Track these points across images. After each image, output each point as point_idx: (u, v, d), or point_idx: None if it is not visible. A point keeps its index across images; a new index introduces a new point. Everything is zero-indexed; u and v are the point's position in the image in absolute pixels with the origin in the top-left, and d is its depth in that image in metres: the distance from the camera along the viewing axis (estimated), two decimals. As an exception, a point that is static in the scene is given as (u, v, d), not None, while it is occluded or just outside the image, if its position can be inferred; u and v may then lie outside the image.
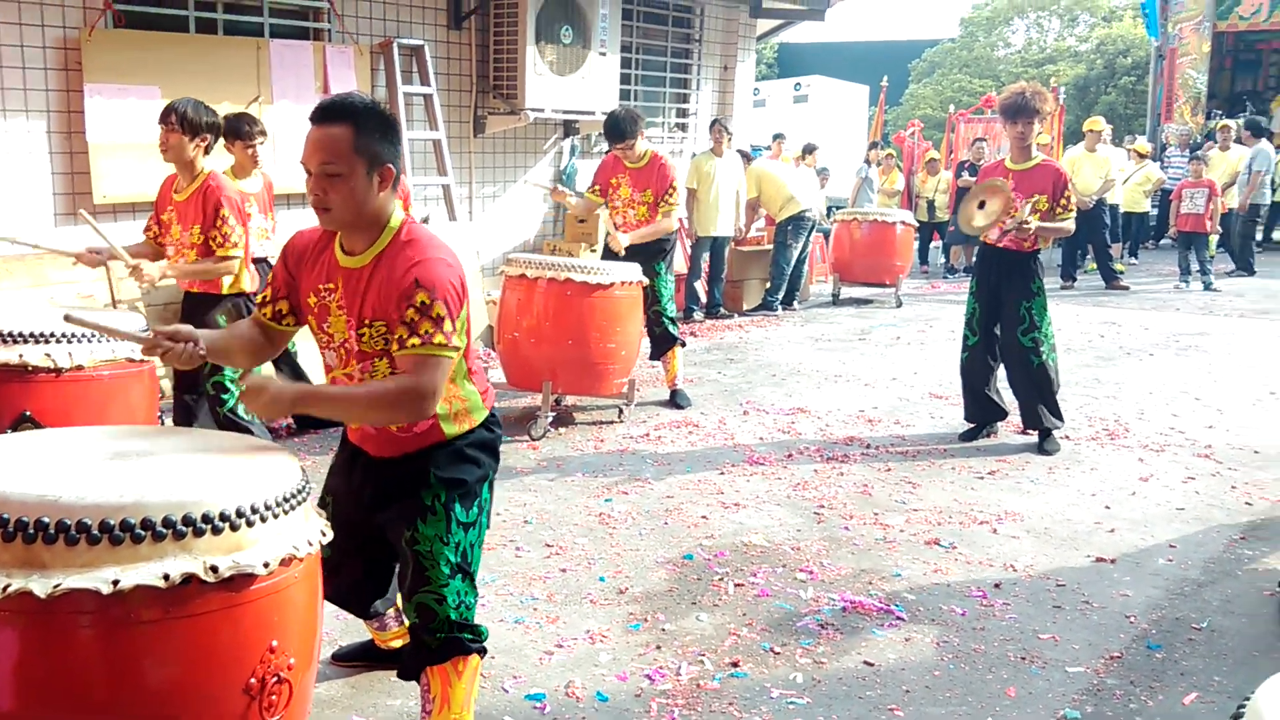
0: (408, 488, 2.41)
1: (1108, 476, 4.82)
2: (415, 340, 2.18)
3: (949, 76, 29.79)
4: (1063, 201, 5.00)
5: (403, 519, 2.41)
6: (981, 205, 5.05)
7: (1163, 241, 14.71)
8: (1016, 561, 3.86)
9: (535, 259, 5.54)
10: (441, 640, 2.41)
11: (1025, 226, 4.91)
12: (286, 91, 6.60)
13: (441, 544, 2.39)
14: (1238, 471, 4.87)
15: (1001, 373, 5.34)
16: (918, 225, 11.08)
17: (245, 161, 5.07)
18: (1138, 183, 12.87)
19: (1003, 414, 5.42)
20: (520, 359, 5.54)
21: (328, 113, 2.27)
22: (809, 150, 11.22)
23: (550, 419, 5.46)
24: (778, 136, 11.78)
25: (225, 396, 4.32)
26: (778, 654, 3.15)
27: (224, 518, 1.90)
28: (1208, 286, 10.96)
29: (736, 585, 3.63)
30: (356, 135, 2.24)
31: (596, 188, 5.99)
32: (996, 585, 3.66)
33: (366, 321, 2.28)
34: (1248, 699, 1.34)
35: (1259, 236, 13.23)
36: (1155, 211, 14.39)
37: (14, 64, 5.45)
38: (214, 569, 1.85)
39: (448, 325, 2.21)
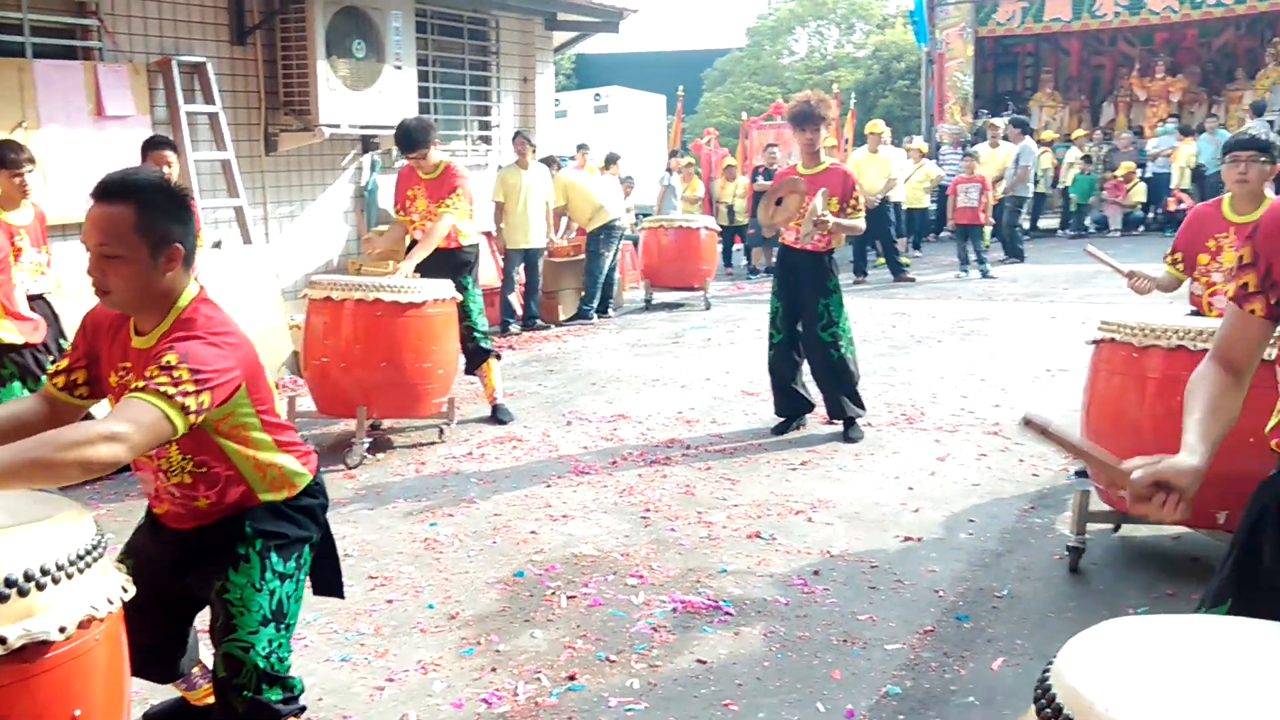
0: (222, 543, 2.29)
1: (909, 459, 5.12)
2: (140, 384, 1.98)
3: (739, 85, 30.87)
4: (852, 202, 5.32)
5: (214, 572, 2.28)
6: (779, 202, 5.28)
7: (942, 234, 15.76)
8: (832, 547, 4.04)
9: (341, 280, 5.37)
10: (248, 701, 2.24)
11: (823, 222, 5.16)
12: (55, 115, 6.14)
13: (254, 590, 2.27)
14: (1023, 446, 5.27)
15: (806, 366, 5.59)
16: (720, 229, 11.44)
17: (12, 192, 4.67)
18: (918, 180, 13.77)
19: (810, 406, 5.68)
20: (330, 384, 5.34)
21: (108, 191, 2.10)
22: (611, 160, 11.38)
23: (367, 445, 5.29)
24: (581, 147, 11.90)
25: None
26: (613, 662, 3.17)
27: (10, 583, 1.73)
28: (985, 274, 11.83)
29: (569, 598, 3.63)
30: (139, 215, 2.09)
31: (399, 206, 5.87)
32: (815, 572, 3.81)
33: None
34: (1051, 661, 1.45)
35: (1025, 225, 14.39)
36: (934, 206, 15.41)
37: None
38: (2, 640, 1.70)
39: (186, 387, 1.97)
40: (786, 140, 13.44)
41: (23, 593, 1.75)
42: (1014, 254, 13.22)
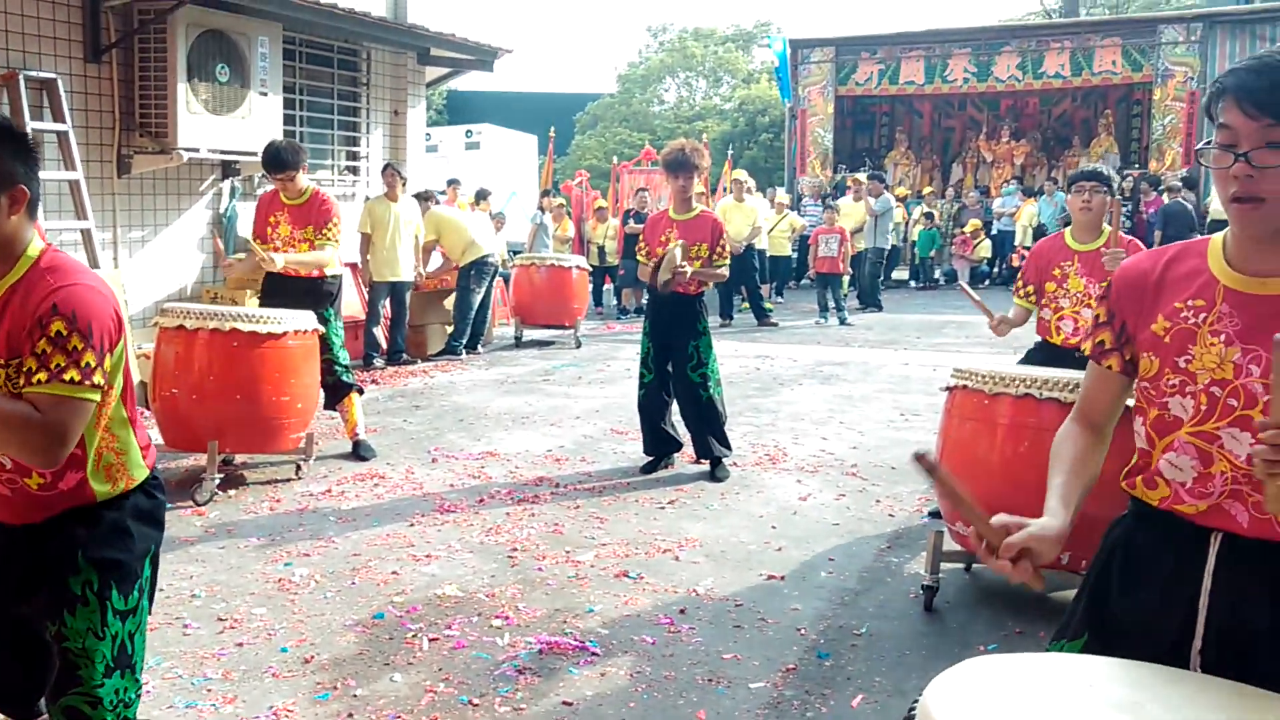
0: (53, 573, 2.10)
1: (772, 498, 5.22)
2: (43, 375, 1.90)
3: (610, 129, 31.34)
4: (719, 249, 5.43)
5: (48, 612, 2.10)
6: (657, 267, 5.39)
7: (803, 281, 16.28)
8: (699, 586, 4.06)
9: (195, 308, 5.13)
10: None
11: (681, 271, 5.26)
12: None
13: (95, 639, 2.10)
14: (879, 487, 5.44)
15: (676, 406, 5.64)
16: (591, 269, 11.52)
17: None
18: (781, 230, 14.22)
19: (678, 445, 5.73)
20: (180, 418, 5.08)
21: None
22: (482, 196, 11.33)
23: (217, 481, 5.04)
24: (452, 182, 11.83)
25: None
26: (476, 705, 3.09)
27: None
28: (843, 321, 12.26)
29: (431, 640, 3.53)
30: None
31: (255, 235, 5.66)
32: (682, 611, 3.82)
33: (1, 362, 1.98)
34: (916, 700, 1.48)
35: (882, 276, 15.02)
36: (796, 255, 15.93)
37: None
38: None
39: (87, 360, 1.93)
40: (657, 185, 13.70)
41: None
42: (871, 303, 13.76)
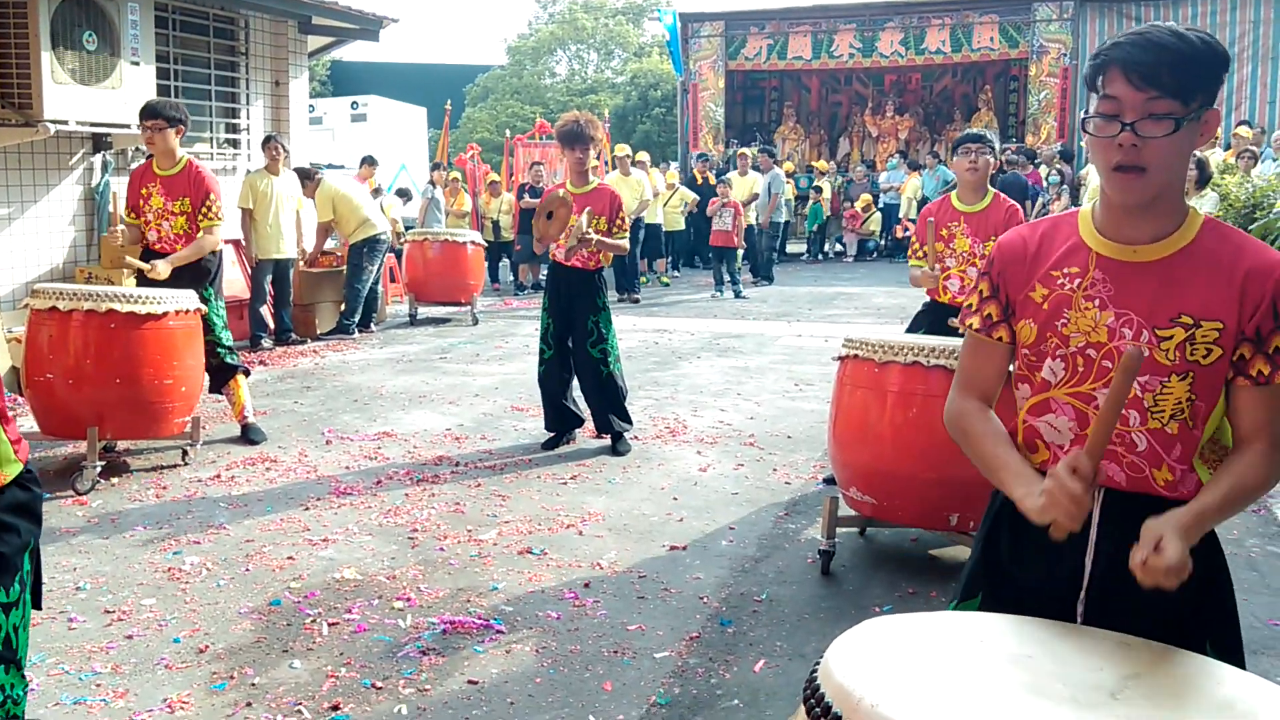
0: None
1: (673, 470, 5.27)
2: None
3: (502, 102, 30.94)
4: (618, 221, 5.42)
5: None
6: (549, 216, 5.30)
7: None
8: (602, 559, 4.09)
9: (69, 289, 4.88)
10: None
11: (587, 239, 5.23)
12: None
13: None
14: (776, 455, 5.55)
15: (576, 382, 5.64)
16: (486, 245, 11.38)
17: None
18: (674, 204, 14.29)
19: (579, 421, 5.73)
20: (57, 403, 4.85)
21: None
22: (367, 162, 11.10)
23: (99, 469, 4.83)
24: (367, 160, 11.49)
25: None
26: (380, 689, 3.05)
27: None
28: (738, 295, 12.42)
29: (331, 624, 3.46)
30: None
31: (130, 208, 5.42)
32: (586, 585, 3.84)
33: None
34: (818, 662, 1.52)
35: (776, 250, 15.27)
36: (691, 230, 16.05)
37: None
38: None
39: None
40: (552, 159, 13.60)
41: None
42: (766, 276, 13.97)
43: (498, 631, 3.44)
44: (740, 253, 12.79)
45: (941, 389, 3.80)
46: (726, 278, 12.52)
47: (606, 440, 5.68)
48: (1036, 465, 1.81)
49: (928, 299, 4.85)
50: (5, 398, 2.11)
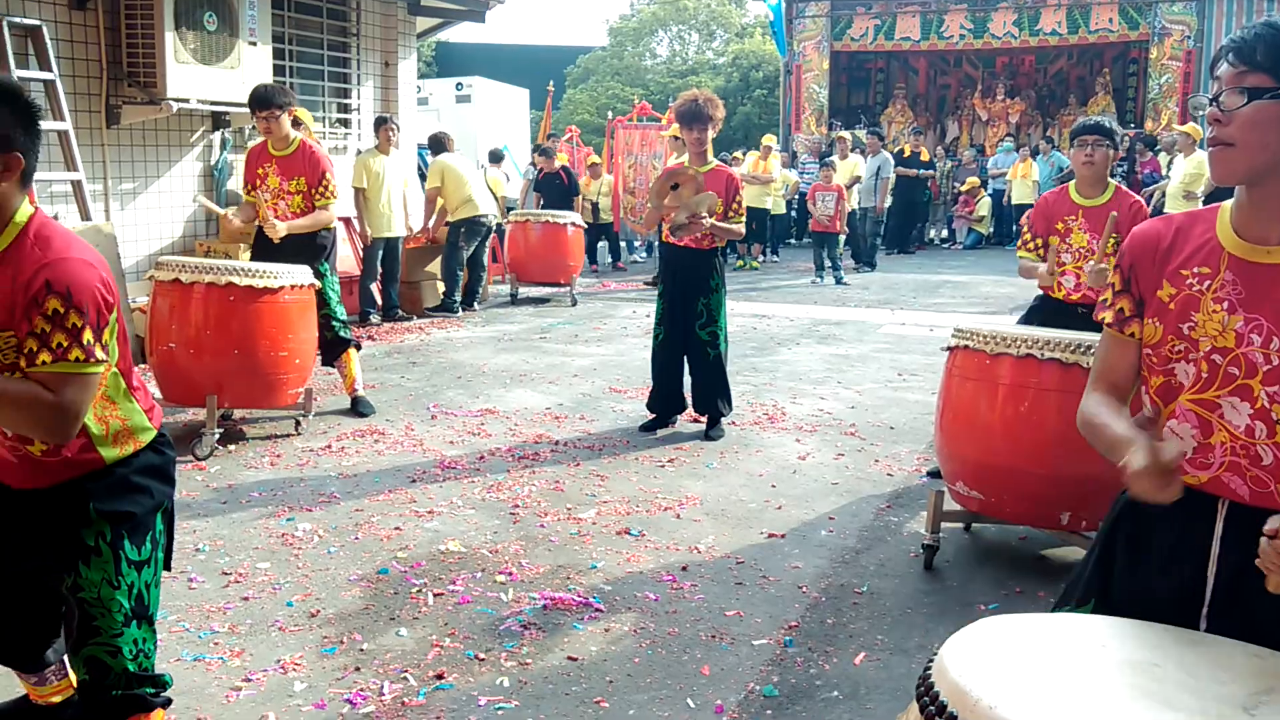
0: (64, 527, 2.09)
1: (771, 458, 5.23)
2: (46, 356, 1.91)
3: (603, 83, 31.01)
4: (734, 205, 5.34)
5: (61, 564, 2.10)
6: (674, 188, 5.24)
7: (792, 240, 16.31)
8: (700, 543, 4.09)
9: (191, 262, 5.07)
10: (117, 698, 2.14)
11: (698, 220, 5.16)
12: None
13: (111, 588, 2.11)
14: (878, 446, 5.46)
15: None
16: (586, 226, 11.44)
17: None
18: (776, 187, 14.18)
19: (684, 406, 5.70)
20: (178, 372, 5.05)
21: None
22: (495, 159, 11.24)
23: (217, 436, 5.03)
24: (496, 157, 11.60)
25: None
26: (482, 660, 3.11)
27: None
28: (839, 281, 12.23)
29: (436, 595, 3.54)
30: None
31: (249, 185, 5.61)
32: (684, 568, 3.84)
33: None
34: (932, 658, 1.49)
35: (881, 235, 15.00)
36: (794, 214, 15.94)
37: None
38: None
39: (86, 337, 1.93)
40: (652, 141, 13.59)
41: None
42: (867, 262, 13.74)
43: (597, 610, 3.47)
44: (842, 238, 12.61)
45: (1055, 383, 3.68)
46: (827, 263, 12.35)
47: (703, 424, 5.66)
48: None
49: (1041, 292, 4.69)
50: (133, 370, 2.21)
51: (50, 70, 6.63)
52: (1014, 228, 15.70)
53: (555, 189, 11.24)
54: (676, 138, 11.37)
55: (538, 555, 3.92)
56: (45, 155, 6.72)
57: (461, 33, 18.88)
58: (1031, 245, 4.57)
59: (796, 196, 15.64)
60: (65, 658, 2.45)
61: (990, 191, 17.02)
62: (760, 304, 10.60)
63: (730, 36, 33.99)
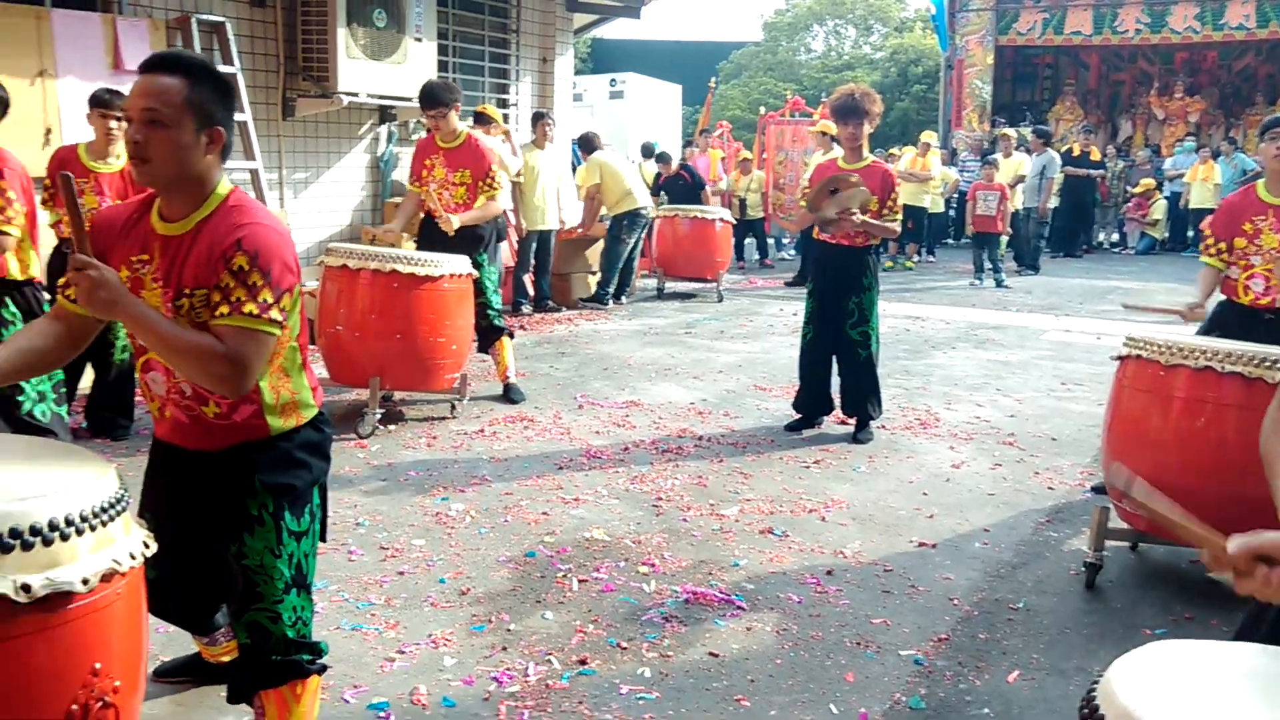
0: (230, 497, 2.21)
1: (923, 464, 5.08)
2: (225, 309, 2.02)
3: (755, 79, 30.78)
4: (889, 203, 5.19)
5: (227, 532, 2.22)
6: (833, 192, 5.14)
7: (949, 240, 15.80)
8: (846, 548, 4.00)
9: (358, 249, 5.30)
10: (277, 662, 2.24)
11: (848, 216, 5.05)
12: (73, 66, 6.05)
13: (273, 556, 2.22)
14: (1038, 458, 5.23)
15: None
16: (734, 222, 11.39)
17: (101, 137, 4.63)
18: (934, 185, 13.78)
19: (831, 407, 5.60)
20: (344, 354, 5.29)
21: (161, 62, 2.09)
22: (649, 154, 11.31)
23: (379, 415, 5.25)
24: (662, 158, 11.67)
25: (20, 398, 3.90)
26: (624, 649, 3.13)
27: (35, 531, 1.69)
28: (1000, 284, 11.77)
29: (580, 581, 3.59)
30: (190, 88, 2.06)
31: (414, 177, 5.81)
32: (829, 572, 3.77)
33: (186, 291, 2.08)
34: (1096, 680, 1.41)
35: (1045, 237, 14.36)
36: (952, 213, 15.45)
37: None
38: (26, 588, 1.65)
39: (264, 296, 2.03)
40: (804, 138, 13.41)
41: (47, 542, 1.71)
42: (1031, 265, 13.18)
43: (738, 608, 3.44)
44: (1004, 239, 12.14)
45: (1236, 398, 3.44)
46: (988, 265, 11.90)
47: (850, 426, 5.55)
48: None
49: (1223, 298, 4.39)
50: (308, 348, 2.31)
51: (232, 64, 7.03)
52: (1192, 233, 14.77)
53: (679, 189, 11.20)
54: (824, 133, 11.19)
55: (680, 549, 3.92)
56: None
57: (616, 29, 19.10)
58: (1214, 250, 4.29)
59: (956, 195, 15.13)
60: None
61: (1166, 194, 16.04)
62: (915, 305, 10.32)
63: (889, 31, 33.20)
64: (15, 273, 3.92)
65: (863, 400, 5.40)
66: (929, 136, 13.90)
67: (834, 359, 5.46)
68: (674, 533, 4.08)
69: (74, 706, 1.74)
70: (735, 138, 16.75)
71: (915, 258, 13.89)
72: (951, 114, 19.33)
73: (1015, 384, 6.86)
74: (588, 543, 3.94)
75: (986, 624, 3.42)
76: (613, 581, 3.60)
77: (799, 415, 5.62)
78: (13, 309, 3.93)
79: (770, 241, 14.17)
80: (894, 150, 15.47)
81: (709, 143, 14.10)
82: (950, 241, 16.30)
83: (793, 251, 14.75)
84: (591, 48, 28.32)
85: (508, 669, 2.98)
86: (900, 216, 5.32)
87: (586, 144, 9.72)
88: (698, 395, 6.32)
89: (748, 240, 13.60)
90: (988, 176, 12.08)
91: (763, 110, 17.10)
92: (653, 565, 3.75)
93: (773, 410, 5.97)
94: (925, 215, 13.69)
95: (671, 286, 10.66)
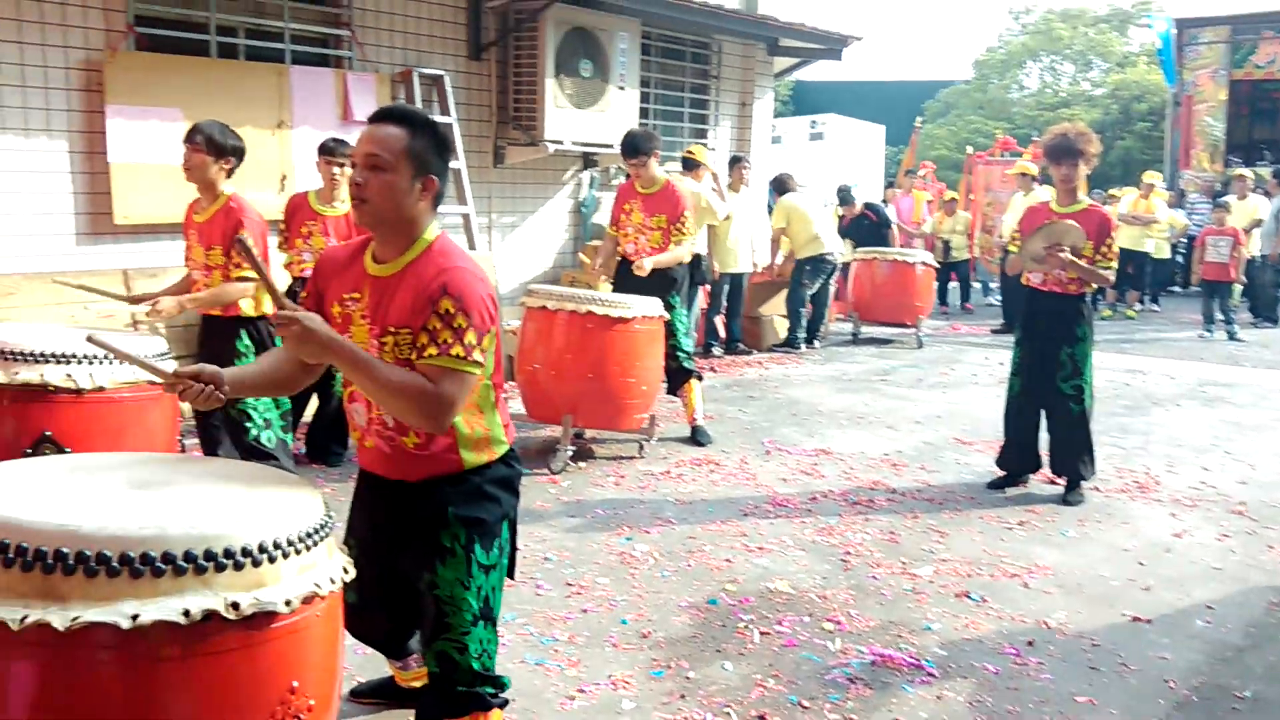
0: (424, 527, 2.30)
1: (1140, 531, 4.70)
2: (433, 350, 2.13)
3: (963, 118, 29.87)
4: (1104, 249, 4.86)
5: (421, 562, 2.31)
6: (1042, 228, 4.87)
7: (1178, 288, 14.69)
8: (1050, 618, 3.74)
9: (556, 291, 5.47)
10: (462, 693, 2.31)
11: (1056, 255, 4.75)
12: (308, 117, 6.57)
13: (462, 588, 2.29)
14: (1273, 530, 4.73)
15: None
16: (937, 266, 11.01)
17: (327, 183, 5.04)
18: (1159, 229, 12.87)
19: (1038, 465, 5.28)
20: (540, 391, 5.45)
21: (387, 114, 2.27)
22: (845, 200, 11.14)
23: (570, 453, 5.37)
24: (846, 200, 11.51)
25: (249, 424, 4.23)
26: (806, 708, 3.03)
27: (246, 553, 1.82)
28: (1232, 336, 10.83)
29: (762, 634, 3.51)
30: (410, 138, 2.22)
31: (611, 222, 5.96)
32: (1030, 642, 3.53)
33: (390, 329, 2.20)
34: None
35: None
36: (1180, 258, 14.42)
37: (37, 84, 5.44)
38: (235, 605, 1.77)
39: (469, 338, 2.14)
40: (1012, 179, 12.87)
41: (256, 563, 1.82)
42: (1267, 317, 12.07)
43: (929, 674, 3.27)
44: (1237, 289, 11.16)
45: None
46: (1219, 315, 10.98)
47: (1059, 487, 5.20)
48: None
49: None
50: (504, 385, 2.39)
51: (449, 115, 7.44)
52: None
53: (864, 230, 10.91)
54: (1024, 174, 10.69)
55: (868, 607, 3.78)
56: (443, 190, 7.59)
57: (818, 71, 19.07)
58: None
59: (1184, 240, 14.09)
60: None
61: None
62: (1135, 358, 9.61)
63: (1110, 66, 31.50)
64: (249, 310, 4.26)
65: (1074, 459, 5.06)
66: (1153, 177, 13.00)
67: (1043, 413, 5.15)
68: (862, 589, 3.93)
69: (271, 721, 1.84)
70: (940, 178, 16.28)
71: (1137, 306, 12.99)
72: (1179, 153, 18.06)
73: (1248, 447, 6.26)
74: (771, 594, 3.86)
75: (1206, 711, 3.10)
76: (796, 636, 3.50)
77: (1003, 472, 5.32)
78: (247, 342, 4.28)
79: (976, 285, 13.62)
80: (1114, 191, 14.58)
81: (914, 184, 13.74)
82: (1177, 289, 15.16)
83: (999, 298, 14.14)
84: (793, 90, 28.34)
85: (685, 717, 2.94)
86: (1115, 265, 4.96)
87: (780, 186, 9.69)
88: (892, 446, 6.11)
89: (950, 284, 13.14)
90: (1219, 220, 11.19)
91: (969, 150, 16.57)
92: (838, 622, 3.63)
93: (974, 465, 5.69)
94: (1148, 260, 12.80)
95: (868, 331, 10.41)
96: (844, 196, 11.38)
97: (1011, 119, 28.17)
